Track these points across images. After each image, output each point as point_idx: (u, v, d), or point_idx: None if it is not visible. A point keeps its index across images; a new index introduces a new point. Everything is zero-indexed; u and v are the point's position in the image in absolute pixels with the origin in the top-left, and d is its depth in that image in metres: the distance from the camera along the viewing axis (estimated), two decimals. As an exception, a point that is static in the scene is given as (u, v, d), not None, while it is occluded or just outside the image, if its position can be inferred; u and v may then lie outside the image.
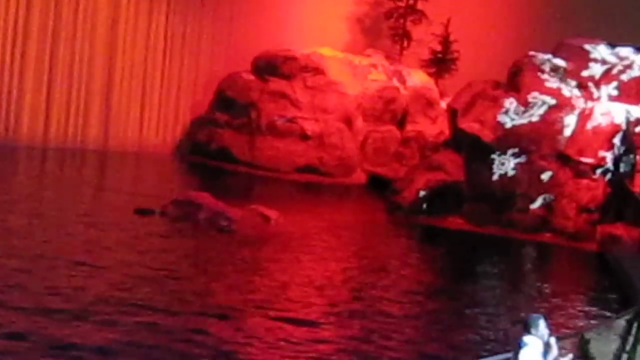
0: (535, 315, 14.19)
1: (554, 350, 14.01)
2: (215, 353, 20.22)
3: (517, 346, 13.79)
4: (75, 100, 47.89)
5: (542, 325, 13.60)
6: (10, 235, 28.95)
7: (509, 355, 14.75)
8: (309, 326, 23.47)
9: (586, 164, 37.44)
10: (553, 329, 21.18)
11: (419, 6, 48.57)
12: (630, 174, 38.28)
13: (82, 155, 46.57)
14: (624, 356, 19.00)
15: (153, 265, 27.62)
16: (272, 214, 35.09)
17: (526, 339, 13.52)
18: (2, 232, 29.18)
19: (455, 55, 48.11)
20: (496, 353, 18.31)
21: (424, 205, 38.96)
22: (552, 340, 14.07)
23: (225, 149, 45.50)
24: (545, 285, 31.72)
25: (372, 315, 25.08)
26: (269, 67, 45.63)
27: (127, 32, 48.19)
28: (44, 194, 38.02)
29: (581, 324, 24.81)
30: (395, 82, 46.37)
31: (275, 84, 45.10)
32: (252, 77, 45.64)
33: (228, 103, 46.20)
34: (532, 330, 13.60)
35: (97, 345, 19.35)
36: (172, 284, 26.17)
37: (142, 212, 34.33)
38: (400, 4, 48.45)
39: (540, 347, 13.76)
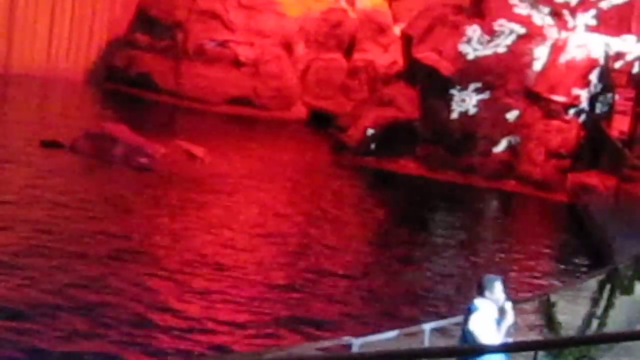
0: (490, 276, 14.49)
1: (509, 317, 13.97)
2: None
3: (468, 310, 14.19)
4: None
5: (497, 288, 13.95)
6: None
7: (459, 319, 15.46)
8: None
9: (558, 102, 37.03)
10: (512, 290, 20.94)
11: None
12: (607, 116, 38.23)
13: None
14: (595, 321, 19.40)
15: (58, 208, 27.39)
16: (199, 151, 34.67)
17: (478, 301, 13.87)
18: None
19: None
20: (444, 317, 19.18)
21: (373, 146, 38.42)
22: (508, 305, 14.16)
23: (146, 76, 44.82)
24: (508, 240, 31.61)
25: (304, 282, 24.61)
26: None
27: None
28: None
29: (546, 284, 25.13)
30: (343, 3, 45.83)
31: (206, 1, 44.38)
32: None
33: (150, 23, 45.45)
34: (486, 293, 13.88)
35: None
36: (79, 227, 26.08)
37: (49, 144, 33.82)
38: None
39: (493, 312, 13.95)
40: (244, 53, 43.51)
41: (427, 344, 16.87)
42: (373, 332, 18.65)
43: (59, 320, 20.98)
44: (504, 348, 15.09)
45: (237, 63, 43.54)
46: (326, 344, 17.78)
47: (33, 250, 24.11)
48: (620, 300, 20.86)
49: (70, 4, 47.45)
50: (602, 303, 20.28)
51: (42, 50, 47.11)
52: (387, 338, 16.93)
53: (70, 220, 27.16)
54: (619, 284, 21.19)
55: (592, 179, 35.55)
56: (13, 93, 44.69)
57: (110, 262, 24.38)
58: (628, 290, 21.49)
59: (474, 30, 37.56)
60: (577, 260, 29.29)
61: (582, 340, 18.87)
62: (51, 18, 47.55)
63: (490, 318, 14.08)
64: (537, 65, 37.05)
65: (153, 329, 21.45)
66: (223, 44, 43.55)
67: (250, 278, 24.93)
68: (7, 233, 25.58)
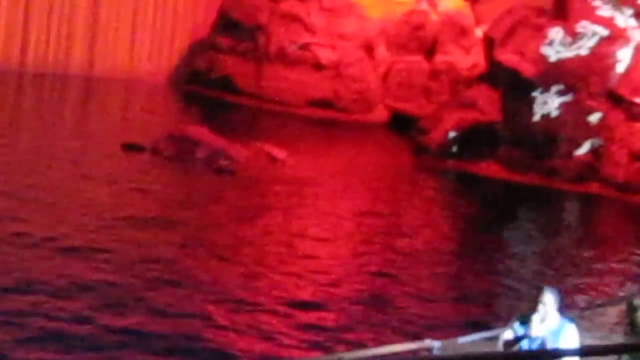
0: (547, 287, 14.30)
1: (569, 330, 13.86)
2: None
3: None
4: (56, 20, 47.10)
5: (550, 299, 13.78)
6: None
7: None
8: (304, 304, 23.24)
9: None
10: (596, 294, 24.44)
11: None
12: None
13: (64, 82, 46.50)
14: None
15: (139, 211, 27.85)
16: (280, 153, 35.09)
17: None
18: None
19: None
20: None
21: (454, 148, 38.89)
22: (555, 317, 13.97)
23: (228, 78, 45.39)
24: (590, 244, 31.48)
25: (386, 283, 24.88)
26: None
27: None
28: (21, 125, 38.30)
29: (629, 288, 24.73)
30: (425, 5, 46.09)
31: (287, 4, 44.92)
32: (260, 1, 45.46)
33: (232, 26, 46.11)
34: (540, 302, 13.77)
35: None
36: (162, 233, 26.25)
37: (131, 147, 34.30)
38: None
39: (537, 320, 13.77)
40: (326, 56, 43.95)
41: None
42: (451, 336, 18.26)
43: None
44: (588, 350, 13.81)
45: (318, 66, 43.92)
46: (410, 346, 17.24)
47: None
48: None
49: (152, 7, 48.02)
50: None
51: (124, 53, 47.75)
52: (465, 342, 16.84)
53: (145, 224, 27.24)
54: None
55: None
56: (96, 96, 45.70)
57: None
58: None
59: (556, 32, 37.76)
60: None
61: None
62: (133, 21, 48.22)
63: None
64: (620, 68, 37.06)
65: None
66: (304, 46, 44.00)
67: (334, 286, 24.76)
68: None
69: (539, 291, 14.29)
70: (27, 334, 19.54)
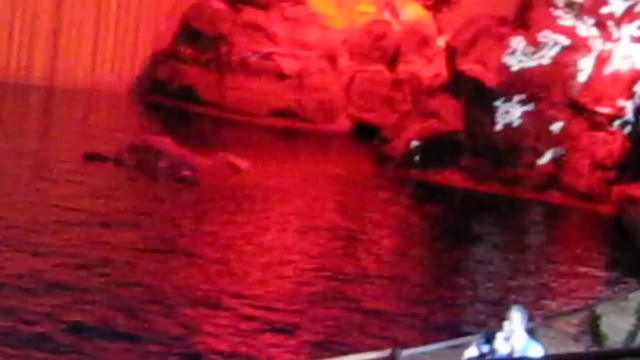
0: (515, 306, 14.24)
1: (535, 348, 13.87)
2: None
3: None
4: (18, 28, 46.87)
5: (516, 318, 13.64)
6: None
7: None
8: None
9: (603, 114, 37.54)
10: (557, 302, 24.59)
11: None
12: None
13: (25, 92, 46.12)
14: None
15: (98, 215, 28.09)
16: (242, 163, 35.30)
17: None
18: None
19: None
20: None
21: (417, 158, 39.02)
22: (520, 336, 13.88)
23: (190, 88, 45.62)
24: (553, 252, 31.88)
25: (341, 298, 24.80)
26: None
27: None
28: None
29: (591, 297, 24.95)
30: (387, 15, 46.50)
31: (249, 14, 45.23)
32: (222, 6, 45.78)
33: (194, 35, 46.39)
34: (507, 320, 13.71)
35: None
36: (122, 235, 26.71)
37: (93, 157, 34.55)
38: None
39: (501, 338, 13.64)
40: (288, 65, 44.14)
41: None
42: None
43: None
44: (553, 358, 15.19)
45: (281, 75, 44.11)
46: (370, 355, 16.63)
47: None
48: None
49: (114, 17, 47.81)
50: None
51: (86, 62, 47.49)
52: (429, 350, 16.69)
53: (112, 231, 27.34)
54: None
55: (638, 190, 35.28)
56: (57, 106, 45.59)
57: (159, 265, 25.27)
58: None
59: (518, 42, 38.14)
60: (622, 273, 29.16)
61: (627, 352, 15.80)
62: (96, 30, 47.88)
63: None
64: (582, 77, 37.41)
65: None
66: (267, 56, 44.14)
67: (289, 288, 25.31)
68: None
69: (506, 309, 14.39)
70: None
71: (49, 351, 19.01)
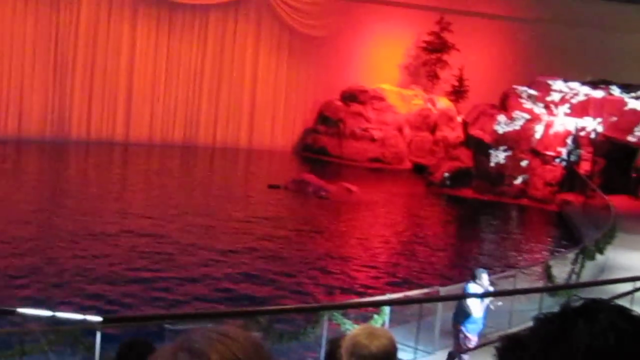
0: (480, 269, 14.22)
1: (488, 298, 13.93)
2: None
3: (463, 290, 14.02)
4: (227, 109, 46.02)
5: (484, 277, 13.70)
6: (199, 208, 30.00)
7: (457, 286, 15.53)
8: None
9: (549, 155, 38.47)
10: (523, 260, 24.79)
11: (444, 58, 47.96)
12: (577, 162, 39.37)
13: (233, 153, 45.88)
14: (574, 276, 20.85)
15: (276, 221, 29.74)
16: (353, 187, 36.12)
17: (471, 285, 13.62)
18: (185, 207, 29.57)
19: (467, 88, 47.65)
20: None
21: (447, 182, 40.03)
22: (491, 289, 14.23)
23: (324, 148, 46.10)
24: (521, 233, 33.21)
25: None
26: (351, 96, 45.82)
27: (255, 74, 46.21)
28: (213, 180, 39.09)
29: (545, 256, 25.46)
30: (429, 105, 46.75)
31: (355, 107, 45.48)
32: (340, 103, 45.97)
33: (325, 119, 46.72)
34: (477, 280, 13.61)
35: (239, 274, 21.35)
36: (291, 225, 28.58)
37: (273, 186, 35.55)
38: (432, 56, 48.14)
39: (478, 291, 13.63)
40: (376, 134, 44.85)
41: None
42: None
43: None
44: (521, 291, 16.89)
45: (372, 139, 44.76)
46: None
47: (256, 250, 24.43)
48: (587, 264, 21.74)
49: (282, 111, 47.75)
50: (578, 266, 21.43)
51: (268, 135, 47.28)
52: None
53: (286, 222, 29.12)
54: (587, 255, 22.09)
55: (570, 197, 36.80)
56: (253, 159, 45.68)
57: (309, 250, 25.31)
58: (591, 258, 22.43)
59: (501, 117, 39.33)
60: (563, 242, 29.94)
61: (568, 286, 18.44)
62: (272, 119, 47.61)
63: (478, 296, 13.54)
64: (537, 135, 38.60)
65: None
66: (365, 129, 44.91)
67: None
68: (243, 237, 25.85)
69: (478, 271, 14.05)
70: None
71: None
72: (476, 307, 13.32)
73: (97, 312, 12.21)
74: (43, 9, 38.95)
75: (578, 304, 1.73)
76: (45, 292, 17.81)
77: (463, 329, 13.43)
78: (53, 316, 9.65)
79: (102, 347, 9.07)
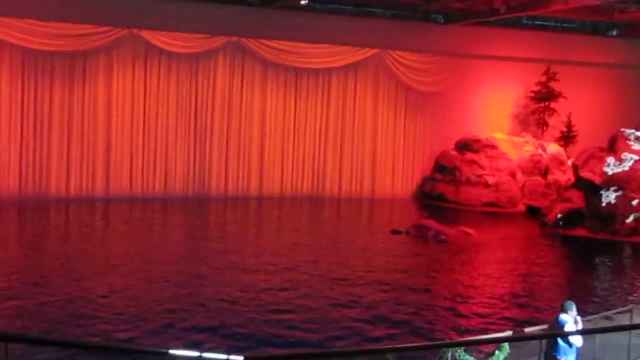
0: (569, 302, 14.31)
1: (579, 325, 14.13)
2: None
3: (556, 321, 14.27)
4: (350, 161, 46.42)
5: (573, 308, 14.01)
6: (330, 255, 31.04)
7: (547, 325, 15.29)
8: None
9: None
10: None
11: (552, 105, 47.89)
12: None
13: (357, 202, 46.09)
14: None
15: (401, 264, 30.21)
16: (471, 231, 36.53)
17: (563, 316, 14.02)
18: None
19: (575, 133, 47.38)
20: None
21: (561, 223, 40.01)
22: (579, 318, 14.26)
23: (442, 194, 46.05)
24: (636, 272, 32.48)
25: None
26: (465, 145, 45.99)
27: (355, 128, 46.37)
28: (339, 228, 39.62)
29: None
30: (540, 151, 46.44)
31: (469, 155, 45.58)
32: (455, 153, 46.08)
33: (442, 168, 46.68)
34: (568, 311, 13.98)
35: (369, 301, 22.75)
36: (409, 273, 28.56)
37: (395, 232, 36.21)
38: (540, 105, 48.14)
39: (571, 321, 13.95)
40: (490, 180, 44.65)
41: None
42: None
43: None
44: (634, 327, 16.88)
45: (487, 185, 44.59)
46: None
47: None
48: None
49: (401, 162, 47.51)
50: None
51: (389, 185, 47.17)
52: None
53: (400, 274, 28.29)
54: None
55: None
56: (377, 208, 45.67)
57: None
58: None
59: (610, 159, 39.26)
60: None
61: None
62: (393, 170, 47.19)
63: (571, 324, 13.94)
64: None
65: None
66: (479, 176, 44.79)
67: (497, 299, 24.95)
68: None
69: (568, 305, 14.25)
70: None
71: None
72: (577, 338, 13.70)
73: (241, 350, 12.59)
74: (184, 80, 41.64)
75: None
76: (196, 332, 18.82)
77: (562, 358, 13.65)
78: (200, 357, 9.74)
79: None
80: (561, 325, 13.86)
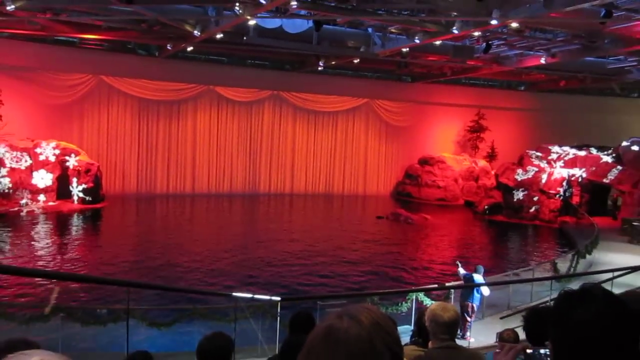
0: (479, 265, 13.39)
1: (482, 280, 12.84)
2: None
3: (465, 277, 13.02)
4: (350, 172, 45.63)
5: (481, 270, 13.04)
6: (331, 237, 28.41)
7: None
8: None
9: (552, 193, 37.02)
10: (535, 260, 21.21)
11: (482, 135, 47.15)
12: (570, 197, 37.67)
13: (354, 198, 44.56)
14: (572, 269, 19.72)
15: (382, 236, 28.74)
16: (428, 216, 35.63)
17: (475, 275, 12.92)
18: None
19: (496, 153, 46.32)
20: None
21: (487, 212, 38.57)
22: (483, 277, 13.09)
23: (409, 193, 44.67)
24: (536, 242, 31.64)
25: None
26: (424, 161, 44.52)
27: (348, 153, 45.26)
28: (344, 215, 38.51)
29: (553, 256, 23.80)
30: (474, 165, 45.12)
31: (427, 167, 44.15)
32: (418, 166, 44.71)
33: (409, 175, 45.10)
34: (478, 272, 13.03)
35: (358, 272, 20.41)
36: (387, 244, 26.96)
37: (379, 217, 35.42)
38: (474, 135, 47.17)
39: (480, 278, 12.74)
40: (441, 183, 43.15)
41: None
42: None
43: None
44: (537, 279, 15.35)
45: (438, 187, 43.24)
46: None
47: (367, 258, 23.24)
48: (580, 261, 20.69)
49: (383, 168, 45.97)
50: (574, 262, 20.50)
51: (373, 184, 45.68)
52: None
53: (382, 244, 26.69)
54: (580, 255, 21.22)
55: (567, 219, 35.30)
56: (365, 201, 44.09)
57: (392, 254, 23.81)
58: (583, 257, 21.27)
59: (519, 170, 37.83)
60: (564, 248, 28.12)
61: (567, 276, 17.55)
62: (378, 172, 45.77)
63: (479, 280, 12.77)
64: (543, 180, 37.09)
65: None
66: (434, 181, 43.35)
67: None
68: (357, 253, 23.97)
69: (478, 267, 13.23)
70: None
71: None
72: (485, 289, 12.87)
73: (278, 293, 12.05)
74: (242, 118, 41.80)
75: (577, 288, 1.61)
76: (247, 281, 18.23)
77: (472, 303, 12.74)
78: (252, 297, 9.42)
79: (281, 316, 9.16)
80: (469, 279, 12.75)
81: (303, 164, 44.62)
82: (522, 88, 50.25)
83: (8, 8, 19.88)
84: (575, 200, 37.88)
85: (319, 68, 37.91)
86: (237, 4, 19.55)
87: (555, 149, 41.02)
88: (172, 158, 37.87)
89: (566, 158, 39.77)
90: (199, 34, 24.50)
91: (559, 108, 48.33)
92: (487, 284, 13.17)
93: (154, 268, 19.14)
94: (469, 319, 12.48)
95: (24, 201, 28.66)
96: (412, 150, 46.44)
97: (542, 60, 30.16)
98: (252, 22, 22.29)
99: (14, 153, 28.61)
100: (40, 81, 31.96)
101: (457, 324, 3.77)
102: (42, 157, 29.57)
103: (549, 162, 38.10)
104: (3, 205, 27.62)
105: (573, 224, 33.01)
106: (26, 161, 28.99)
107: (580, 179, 38.63)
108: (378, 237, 27.91)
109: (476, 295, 12.68)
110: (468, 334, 12.15)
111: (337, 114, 45.43)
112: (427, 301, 12.60)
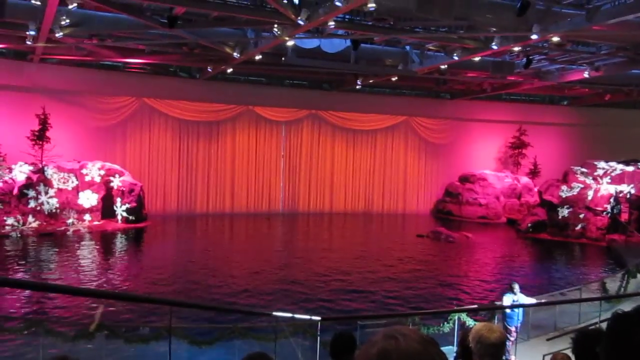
0: (514, 282, 13.16)
1: (520, 300, 12.61)
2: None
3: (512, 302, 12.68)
4: (390, 190, 45.46)
5: (516, 288, 12.74)
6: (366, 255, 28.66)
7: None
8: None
9: (599, 210, 36.51)
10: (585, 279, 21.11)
11: (523, 152, 46.38)
12: (618, 213, 36.95)
13: (394, 216, 44.52)
14: (622, 289, 19.30)
15: (423, 255, 28.75)
16: (469, 235, 35.33)
17: (506, 296, 12.70)
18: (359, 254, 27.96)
19: (539, 169, 45.51)
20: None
21: (530, 230, 37.87)
22: (521, 297, 12.72)
23: (450, 211, 44.34)
24: (582, 262, 30.79)
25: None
26: (465, 178, 44.36)
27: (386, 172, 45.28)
28: (379, 233, 38.56)
29: (602, 276, 23.24)
30: (516, 182, 44.62)
31: (468, 185, 43.94)
32: (458, 183, 44.49)
33: (450, 193, 44.89)
34: (514, 291, 12.71)
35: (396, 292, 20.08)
36: (428, 262, 26.73)
37: (420, 235, 35.19)
38: (515, 151, 46.49)
39: (510, 299, 12.52)
40: (482, 201, 42.74)
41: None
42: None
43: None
44: (586, 299, 15.25)
45: (480, 205, 42.75)
46: None
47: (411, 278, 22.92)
48: (631, 281, 20.28)
49: (423, 186, 45.69)
50: (624, 282, 20.13)
51: (413, 202, 45.69)
52: None
53: (422, 263, 26.70)
54: (630, 274, 20.80)
55: (615, 237, 34.77)
56: (405, 220, 43.73)
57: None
58: (634, 276, 20.89)
59: (564, 187, 37.62)
60: (612, 267, 28.11)
61: (618, 296, 17.03)
62: (417, 195, 45.69)
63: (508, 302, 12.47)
64: (589, 197, 36.75)
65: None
66: (475, 198, 42.96)
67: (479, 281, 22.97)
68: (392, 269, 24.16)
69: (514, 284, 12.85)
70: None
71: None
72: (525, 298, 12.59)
73: (318, 313, 12.07)
74: (281, 138, 42.42)
75: (632, 310, 1.58)
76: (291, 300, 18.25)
77: (510, 327, 12.65)
78: (292, 317, 9.66)
79: (321, 336, 9.25)
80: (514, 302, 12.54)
81: (342, 183, 44.75)
82: (565, 103, 49.48)
83: (57, 35, 20.91)
84: (624, 217, 36.94)
85: (357, 87, 38.11)
86: (276, 26, 19.89)
87: (602, 164, 40.14)
88: (211, 177, 38.28)
89: (613, 174, 38.96)
90: (239, 55, 24.96)
91: (604, 122, 47.39)
92: (535, 305, 13.27)
93: (195, 285, 19.42)
94: (511, 338, 12.43)
95: (70, 221, 29.38)
96: (452, 167, 46.20)
97: (586, 74, 29.66)
98: (290, 43, 22.43)
99: (62, 174, 29.47)
100: (87, 104, 32.94)
101: (503, 346, 3.71)
102: (87, 178, 30.35)
103: (595, 179, 37.33)
104: (51, 224, 28.51)
105: (622, 242, 32.45)
106: (73, 182, 29.80)
107: (628, 195, 37.75)
108: (419, 256, 27.75)
109: (520, 317, 12.68)
110: (513, 357, 11.99)
111: (376, 132, 45.55)
112: (470, 322, 12.36)
